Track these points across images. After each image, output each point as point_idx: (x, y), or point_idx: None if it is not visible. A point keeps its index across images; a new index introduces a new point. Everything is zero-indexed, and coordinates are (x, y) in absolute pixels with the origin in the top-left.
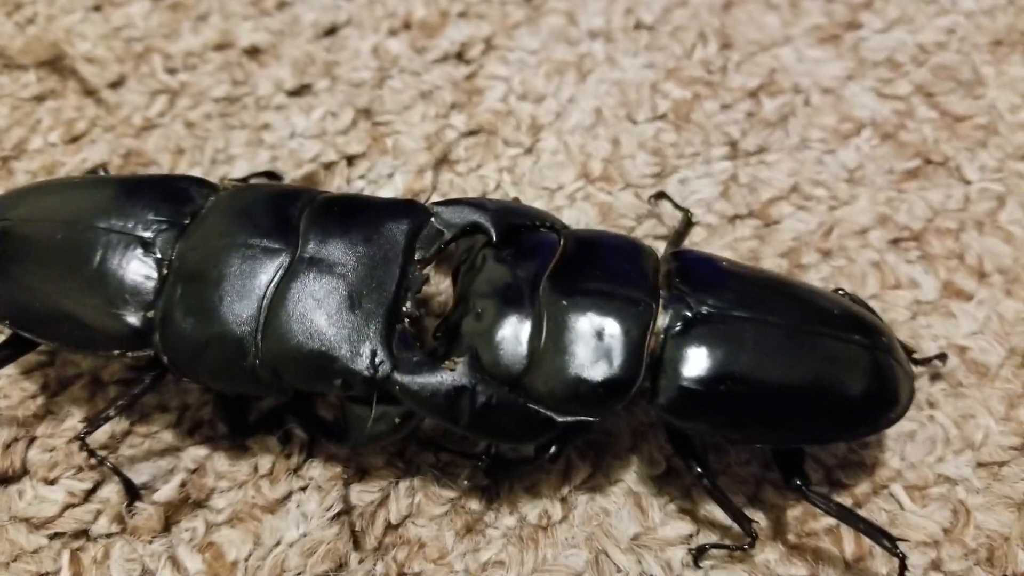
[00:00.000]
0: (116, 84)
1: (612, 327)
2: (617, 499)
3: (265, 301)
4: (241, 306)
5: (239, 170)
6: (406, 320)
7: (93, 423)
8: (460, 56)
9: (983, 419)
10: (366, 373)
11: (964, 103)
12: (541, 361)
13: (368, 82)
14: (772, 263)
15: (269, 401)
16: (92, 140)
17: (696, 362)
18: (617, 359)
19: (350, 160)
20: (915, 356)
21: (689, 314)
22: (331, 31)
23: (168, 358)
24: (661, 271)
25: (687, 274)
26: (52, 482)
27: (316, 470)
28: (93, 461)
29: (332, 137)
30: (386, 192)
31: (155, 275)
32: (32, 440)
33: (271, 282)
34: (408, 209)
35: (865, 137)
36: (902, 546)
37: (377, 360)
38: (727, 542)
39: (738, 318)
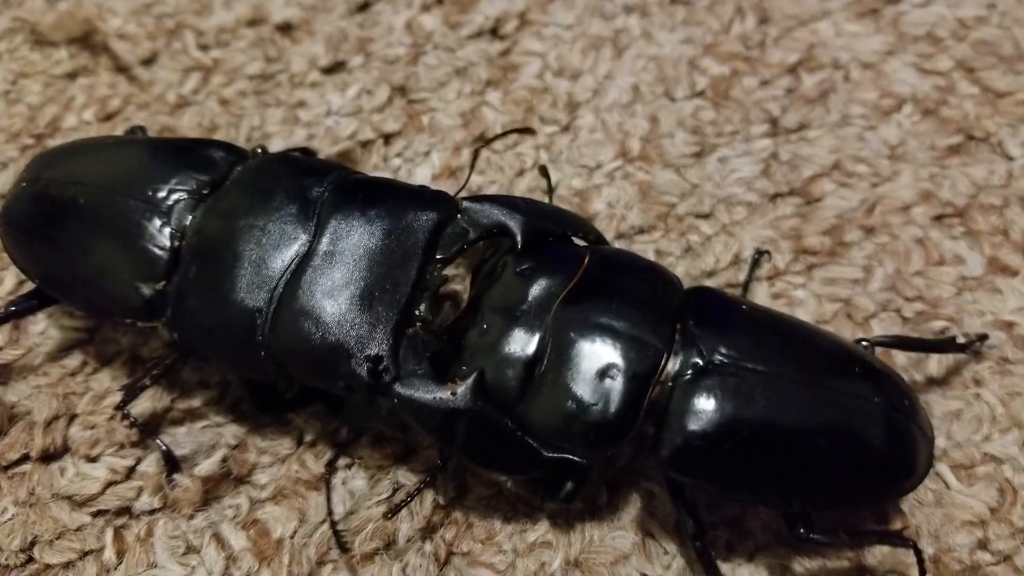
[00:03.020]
0: (148, 61)
1: (615, 369)
2: (661, 482)
3: (277, 291)
4: (253, 293)
5: (275, 147)
6: (418, 323)
7: (130, 393)
8: (494, 32)
9: None
10: (369, 380)
11: (1006, 79)
12: (537, 392)
13: (402, 58)
14: (815, 241)
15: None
16: (126, 118)
17: (703, 416)
18: (614, 404)
19: (387, 138)
20: (958, 340)
21: (700, 362)
22: (364, 7)
23: (178, 335)
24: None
25: (703, 316)
26: (94, 459)
27: (365, 450)
28: (134, 431)
29: (368, 115)
30: (423, 170)
31: (167, 246)
32: (73, 417)
33: (285, 271)
34: (435, 202)
35: (906, 113)
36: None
37: (381, 367)
38: None
39: (751, 370)
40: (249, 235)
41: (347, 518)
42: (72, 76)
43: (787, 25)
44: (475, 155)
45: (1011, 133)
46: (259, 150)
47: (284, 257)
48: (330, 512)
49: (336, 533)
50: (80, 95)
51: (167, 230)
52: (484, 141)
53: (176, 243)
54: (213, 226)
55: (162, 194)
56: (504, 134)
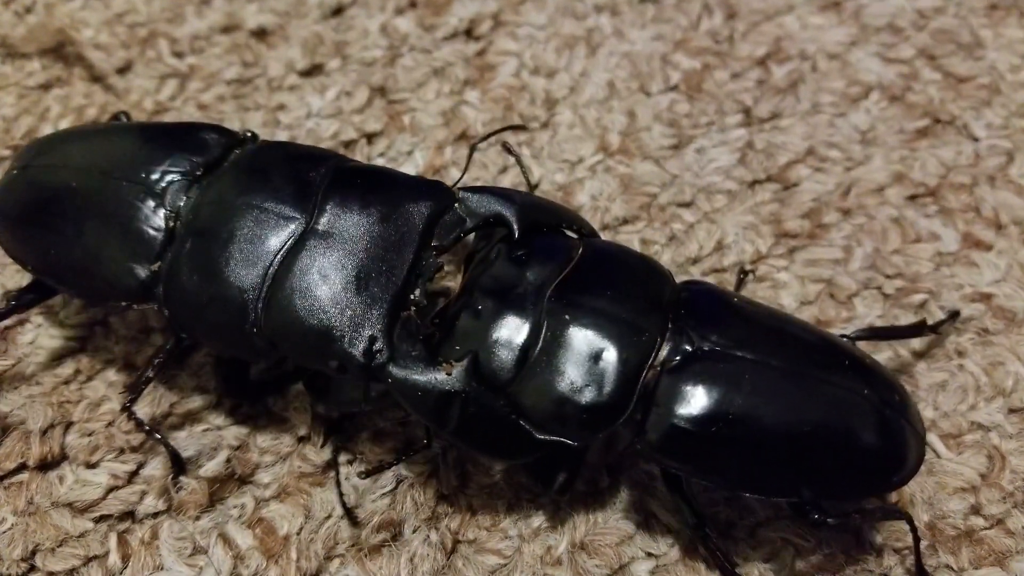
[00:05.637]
0: (123, 70)
1: (610, 352)
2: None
3: (272, 269)
4: (247, 271)
5: None
6: (412, 308)
7: (134, 389)
8: (469, 33)
9: (1012, 365)
10: (362, 360)
11: (966, 64)
12: (532, 373)
13: (380, 60)
14: (795, 224)
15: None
16: None
17: (690, 400)
18: (608, 386)
19: (369, 138)
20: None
21: (689, 349)
22: (337, 11)
23: (169, 311)
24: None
25: (694, 307)
26: (94, 465)
27: (366, 445)
28: (140, 433)
29: (349, 116)
30: (407, 168)
31: (162, 227)
32: (69, 425)
33: (280, 250)
34: (432, 191)
35: (874, 100)
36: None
37: (375, 348)
38: None
39: (739, 358)
40: (246, 214)
41: (352, 512)
42: (46, 87)
43: (753, 20)
44: (470, 153)
45: (975, 116)
46: (248, 134)
47: (280, 236)
48: (343, 503)
49: (348, 513)
50: (55, 105)
51: (161, 211)
52: (481, 138)
53: (170, 224)
54: (209, 205)
55: (155, 176)
56: (495, 132)
